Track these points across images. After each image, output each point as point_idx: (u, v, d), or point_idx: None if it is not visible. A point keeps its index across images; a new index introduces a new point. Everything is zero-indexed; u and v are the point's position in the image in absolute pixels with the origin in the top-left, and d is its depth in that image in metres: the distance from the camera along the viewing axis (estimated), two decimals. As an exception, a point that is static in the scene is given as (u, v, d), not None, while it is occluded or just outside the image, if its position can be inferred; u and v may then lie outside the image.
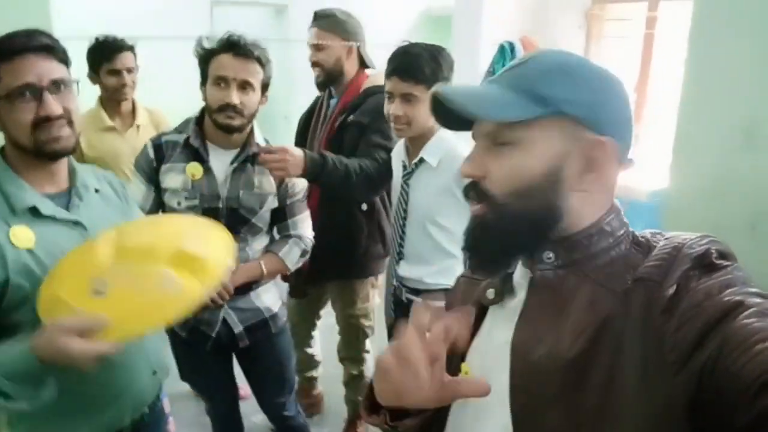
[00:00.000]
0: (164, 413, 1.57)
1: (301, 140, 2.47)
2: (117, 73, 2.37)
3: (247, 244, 1.78)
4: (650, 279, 0.66)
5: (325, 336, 2.84)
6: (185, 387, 2.66)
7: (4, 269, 1.10)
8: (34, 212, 1.17)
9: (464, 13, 3.48)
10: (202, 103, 1.75)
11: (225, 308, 1.78)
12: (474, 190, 0.76)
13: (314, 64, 2.25)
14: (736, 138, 1.86)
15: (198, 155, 1.71)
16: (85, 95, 1.34)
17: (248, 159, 1.75)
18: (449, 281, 1.82)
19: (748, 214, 1.84)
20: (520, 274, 0.81)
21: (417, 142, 1.77)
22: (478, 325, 0.85)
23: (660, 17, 3.25)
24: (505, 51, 3.21)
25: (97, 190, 1.33)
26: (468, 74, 3.35)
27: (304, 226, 1.90)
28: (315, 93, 2.47)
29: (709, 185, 1.95)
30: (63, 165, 1.25)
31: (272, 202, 1.80)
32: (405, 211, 1.83)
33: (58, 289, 1.11)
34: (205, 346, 1.80)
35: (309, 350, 2.72)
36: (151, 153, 1.73)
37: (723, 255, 0.66)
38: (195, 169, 1.70)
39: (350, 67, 2.26)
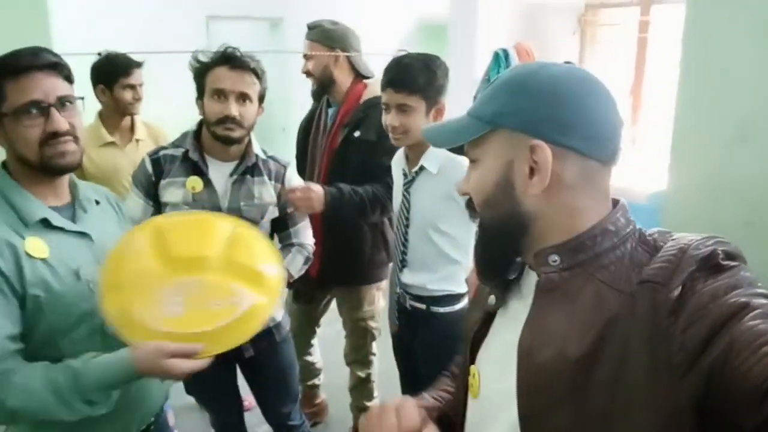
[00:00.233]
0: (168, 426, 1.58)
1: (302, 149, 2.49)
2: (132, 87, 2.44)
3: None
4: (656, 281, 0.66)
5: (328, 345, 2.84)
6: (189, 399, 2.65)
7: (21, 281, 1.12)
8: (45, 224, 1.19)
9: (459, 21, 3.51)
10: (199, 117, 1.77)
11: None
12: (468, 206, 0.85)
13: (306, 75, 2.34)
14: (731, 137, 1.87)
15: (197, 168, 1.72)
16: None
17: (247, 170, 1.76)
18: (453, 287, 1.84)
19: (744, 212, 1.85)
20: (527, 278, 0.82)
21: (416, 150, 1.79)
22: (487, 330, 0.86)
23: (652, 21, 3.28)
24: (500, 58, 3.23)
25: (97, 202, 1.37)
26: (464, 82, 3.37)
27: (306, 233, 1.93)
28: (311, 104, 2.51)
29: (707, 185, 1.96)
30: (65, 179, 1.28)
31: (273, 212, 1.81)
32: (407, 218, 1.83)
33: (128, 304, 1.20)
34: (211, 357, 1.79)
35: (309, 358, 2.72)
36: (149, 168, 1.73)
37: (730, 256, 0.66)
38: (195, 182, 1.70)
39: (341, 75, 2.31)
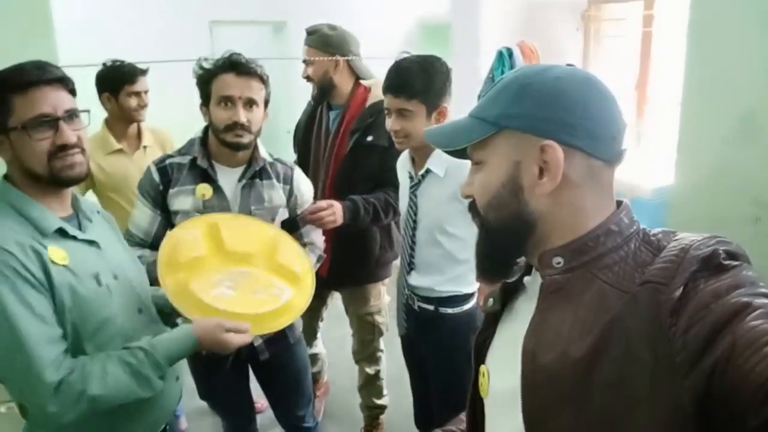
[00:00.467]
0: (181, 430, 1.60)
1: (304, 152, 2.50)
2: (137, 94, 2.47)
3: None
4: (658, 281, 0.66)
5: (337, 346, 2.85)
6: (201, 404, 2.67)
7: (50, 288, 1.16)
8: (61, 233, 1.23)
9: (462, 21, 3.51)
10: (203, 124, 1.77)
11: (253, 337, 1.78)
12: (471, 208, 0.85)
13: (307, 80, 2.37)
14: (738, 132, 1.86)
15: (206, 175, 1.73)
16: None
17: (256, 174, 1.77)
18: (461, 289, 1.84)
19: (751, 207, 1.84)
20: (531, 280, 0.84)
21: (421, 152, 1.79)
22: (494, 330, 0.88)
23: (656, 15, 3.26)
24: (504, 57, 3.23)
25: (98, 212, 1.42)
26: (468, 82, 3.37)
27: (316, 233, 1.97)
28: (307, 106, 2.55)
29: (713, 180, 1.95)
30: (69, 191, 1.31)
31: (283, 214, 1.83)
32: (414, 221, 1.84)
33: (185, 283, 1.44)
34: (226, 362, 1.81)
35: (313, 350, 2.78)
36: (156, 177, 1.73)
37: (732, 255, 0.66)
38: (205, 189, 1.71)
39: (341, 80, 2.34)
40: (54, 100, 1.19)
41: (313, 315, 2.63)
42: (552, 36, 3.46)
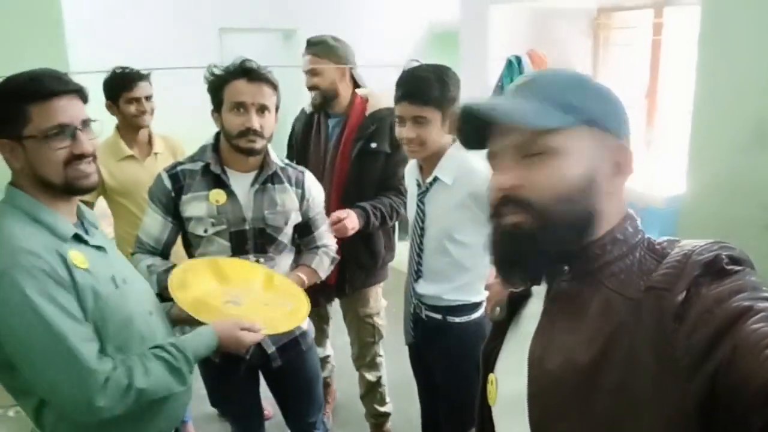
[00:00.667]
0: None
1: (301, 161, 2.50)
2: (136, 100, 2.45)
3: (275, 263, 1.81)
4: (661, 286, 0.67)
5: (341, 353, 2.85)
6: (209, 410, 2.67)
7: (75, 291, 1.19)
8: (76, 239, 1.26)
9: (471, 28, 3.51)
10: (215, 130, 1.78)
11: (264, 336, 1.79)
12: (513, 202, 0.76)
13: (311, 88, 2.40)
14: (749, 140, 1.85)
15: (219, 181, 1.73)
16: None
17: (268, 179, 1.78)
18: (469, 298, 1.84)
19: (763, 215, 1.83)
20: (538, 288, 0.83)
21: (430, 160, 1.78)
22: (502, 339, 0.88)
23: (666, 23, 3.25)
24: (513, 65, 3.23)
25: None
26: (476, 89, 3.37)
27: (329, 236, 1.99)
28: (301, 113, 2.57)
29: (725, 188, 1.94)
30: (76, 199, 1.33)
31: (296, 218, 1.84)
32: (422, 229, 1.83)
33: (204, 297, 1.57)
34: (239, 369, 1.81)
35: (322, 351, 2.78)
36: (168, 183, 1.73)
37: (735, 260, 0.67)
38: (218, 195, 1.72)
39: (344, 88, 2.41)
40: (72, 111, 1.22)
41: (320, 318, 2.65)
42: (561, 44, 3.46)
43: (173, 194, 1.73)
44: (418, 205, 1.83)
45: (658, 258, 0.72)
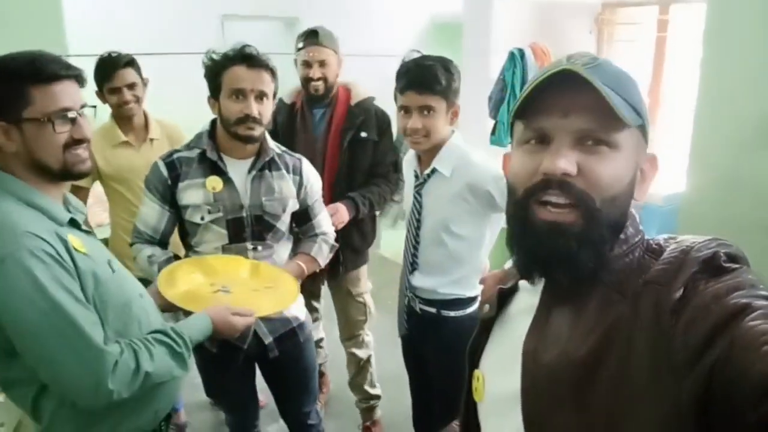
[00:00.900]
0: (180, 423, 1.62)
1: (290, 150, 2.48)
2: (117, 90, 2.36)
3: (273, 251, 1.80)
4: (658, 281, 0.67)
5: (335, 345, 2.85)
6: (201, 398, 2.67)
7: (78, 275, 1.17)
8: (72, 224, 1.25)
9: (474, 21, 3.49)
10: (213, 117, 1.76)
11: (255, 320, 1.78)
12: (570, 190, 0.70)
13: (318, 80, 2.33)
14: (751, 139, 1.84)
15: (216, 168, 1.72)
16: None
17: (265, 165, 1.77)
18: (464, 292, 1.83)
19: (763, 214, 1.82)
20: (525, 283, 0.83)
21: (429, 152, 1.77)
22: (488, 335, 0.88)
23: (671, 20, 3.23)
24: (515, 58, 3.21)
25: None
26: (479, 81, 3.35)
27: (327, 223, 1.98)
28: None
29: (726, 187, 1.93)
30: (65, 185, 1.32)
31: (293, 205, 1.82)
32: (418, 220, 1.82)
33: (194, 289, 1.61)
34: (237, 360, 1.80)
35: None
36: (165, 171, 1.72)
37: (732, 258, 0.67)
38: (215, 182, 1.71)
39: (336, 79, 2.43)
40: (74, 95, 1.21)
41: (311, 296, 2.66)
42: (564, 38, 3.44)
43: (170, 182, 1.71)
44: (415, 197, 1.82)
45: (656, 257, 0.72)
